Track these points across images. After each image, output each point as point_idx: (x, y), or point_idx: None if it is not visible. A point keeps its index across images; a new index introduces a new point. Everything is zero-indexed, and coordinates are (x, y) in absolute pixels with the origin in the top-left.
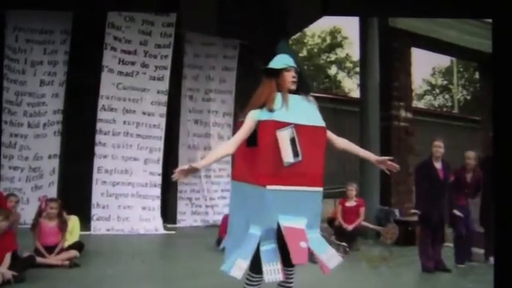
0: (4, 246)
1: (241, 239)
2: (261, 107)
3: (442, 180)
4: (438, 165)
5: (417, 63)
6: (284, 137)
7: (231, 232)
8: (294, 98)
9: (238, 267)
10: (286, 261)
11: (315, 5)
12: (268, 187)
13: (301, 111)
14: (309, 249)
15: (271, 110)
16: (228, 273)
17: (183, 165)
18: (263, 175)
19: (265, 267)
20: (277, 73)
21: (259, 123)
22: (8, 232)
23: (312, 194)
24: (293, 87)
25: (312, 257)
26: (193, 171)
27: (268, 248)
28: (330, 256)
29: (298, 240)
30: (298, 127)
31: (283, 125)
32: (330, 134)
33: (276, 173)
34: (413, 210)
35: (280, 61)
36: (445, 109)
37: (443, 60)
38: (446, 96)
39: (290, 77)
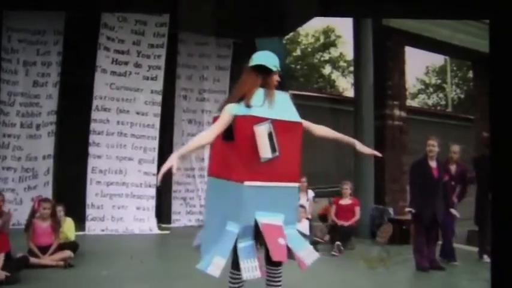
0: None
1: (217, 236)
2: (239, 100)
3: (436, 179)
4: (433, 164)
5: (411, 62)
6: (261, 132)
7: (207, 229)
8: (269, 93)
9: (215, 265)
10: (271, 260)
11: (309, 5)
12: (246, 183)
13: (278, 107)
14: (287, 246)
15: (248, 106)
16: (205, 271)
17: (161, 169)
18: (240, 171)
19: (243, 264)
20: (268, 71)
21: (236, 118)
22: (1, 233)
23: (288, 190)
24: (274, 88)
25: (290, 254)
26: (173, 167)
27: (246, 244)
28: (308, 252)
29: (276, 237)
30: (275, 122)
31: (260, 120)
32: (307, 124)
33: (253, 169)
34: (408, 209)
35: (273, 62)
36: (438, 108)
37: (437, 59)
38: (440, 95)
39: (275, 80)
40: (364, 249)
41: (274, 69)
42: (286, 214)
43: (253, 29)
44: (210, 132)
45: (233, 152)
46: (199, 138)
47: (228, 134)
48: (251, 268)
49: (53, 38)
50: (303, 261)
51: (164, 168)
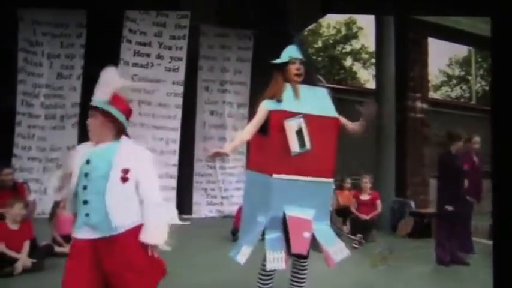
0: (22, 235)
1: (250, 227)
2: (271, 98)
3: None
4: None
5: (434, 54)
6: (291, 126)
7: (243, 220)
8: (306, 89)
9: (242, 253)
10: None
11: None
12: (274, 176)
13: (313, 101)
14: (314, 238)
15: (279, 101)
16: (234, 258)
17: (215, 150)
18: (270, 164)
19: (269, 255)
20: (283, 66)
21: (270, 113)
22: (26, 221)
23: (320, 185)
24: (298, 79)
25: (317, 247)
26: (222, 155)
27: (273, 236)
28: (338, 249)
29: (301, 230)
30: (307, 117)
31: (291, 114)
32: (344, 121)
33: (283, 162)
34: (448, 207)
35: (285, 54)
36: (462, 100)
37: (461, 50)
38: (464, 87)
39: (294, 69)
40: (385, 242)
41: (283, 61)
42: (318, 209)
43: (274, 21)
44: (246, 131)
45: (266, 145)
46: (241, 136)
47: (262, 129)
48: (277, 259)
49: (76, 31)
50: (331, 257)
51: (217, 150)
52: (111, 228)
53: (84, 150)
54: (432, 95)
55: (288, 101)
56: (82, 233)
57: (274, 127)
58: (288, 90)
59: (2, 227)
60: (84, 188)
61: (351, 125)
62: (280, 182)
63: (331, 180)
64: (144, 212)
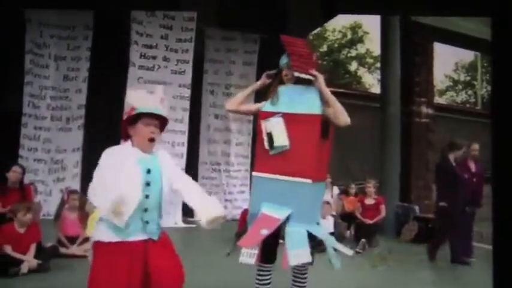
0: (30, 238)
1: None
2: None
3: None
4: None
5: (439, 58)
6: (265, 126)
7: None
8: (294, 89)
9: (249, 254)
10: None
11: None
12: (254, 173)
13: (297, 100)
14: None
15: (265, 102)
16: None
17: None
18: (255, 163)
19: (243, 250)
20: (280, 72)
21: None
22: (33, 223)
23: (298, 185)
24: (289, 82)
25: (320, 247)
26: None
27: None
28: (298, 254)
29: (261, 227)
30: (286, 116)
31: (269, 114)
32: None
33: (263, 161)
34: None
35: (281, 61)
36: (468, 105)
37: (467, 55)
38: (470, 92)
39: (283, 75)
40: (389, 247)
41: (280, 67)
42: (296, 210)
43: (280, 25)
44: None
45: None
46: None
47: None
48: (248, 254)
49: (82, 33)
50: (287, 259)
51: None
52: (160, 230)
53: (127, 157)
54: (437, 100)
55: (272, 102)
56: (135, 237)
57: (258, 127)
58: (278, 92)
59: (10, 230)
60: (147, 197)
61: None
62: (259, 180)
63: (308, 181)
64: (196, 195)
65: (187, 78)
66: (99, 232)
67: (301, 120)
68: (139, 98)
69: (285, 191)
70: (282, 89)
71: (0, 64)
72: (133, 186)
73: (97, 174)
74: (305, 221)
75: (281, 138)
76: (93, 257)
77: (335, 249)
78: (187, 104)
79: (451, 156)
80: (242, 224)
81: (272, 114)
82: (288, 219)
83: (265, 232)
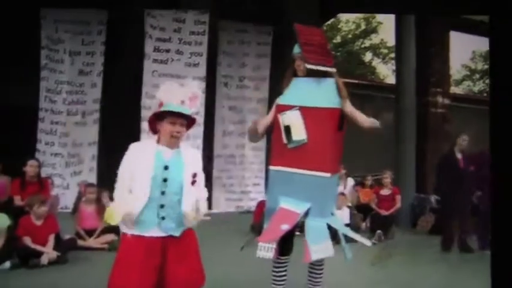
0: (47, 229)
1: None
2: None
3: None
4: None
5: (456, 47)
6: (282, 120)
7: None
8: (309, 81)
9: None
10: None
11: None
12: (271, 167)
13: (313, 93)
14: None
15: (281, 95)
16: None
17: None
18: (272, 156)
19: (260, 243)
20: (293, 62)
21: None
22: (50, 216)
23: (316, 179)
24: (300, 73)
25: (337, 239)
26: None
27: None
28: (320, 249)
29: (281, 222)
30: (304, 110)
31: (286, 108)
32: (357, 115)
33: (280, 155)
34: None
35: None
36: (485, 95)
37: (484, 43)
38: (487, 81)
39: (296, 65)
40: (404, 239)
41: (293, 56)
42: (314, 204)
43: (293, 16)
44: (262, 124)
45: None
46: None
47: None
48: (265, 248)
49: (96, 28)
50: (308, 253)
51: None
52: (181, 228)
53: (146, 154)
54: (454, 89)
55: (288, 94)
56: (152, 232)
57: (275, 120)
58: (293, 84)
59: (27, 222)
60: (163, 193)
61: (360, 118)
62: (276, 174)
63: (327, 175)
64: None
65: (201, 70)
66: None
67: (319, 113)
68: (168, 93)
69: (303, 184)
70: (297, 81)
71: (17, 60)
72: (142, 190)
73: (119, 172)
74: (324, 214)
75: (299, 132)
76: (121, 249)
77: (348, 241)
78: (202, 96)
79: (457, 148)
80: (257, 216)
81: (289, 107)
82: (306, 212)
83: (285, 227)
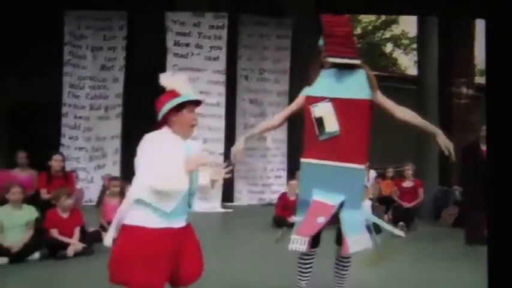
0: (73, 222)
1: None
2: (307, 84)
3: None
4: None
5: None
6: (314, 112)
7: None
8: (340, 72)
9: (300, 241)
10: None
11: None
12: (302, 160)
13: (343, 85)
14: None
15: (309, 86)
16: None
17: (234, 149)
18: (304, 149)
19: (293, 236)
20: (319, 53)
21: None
22: (75, 208)
23: (350, 171)
24: (326, 65)
25: (372, 229)
26: (240, 149)
27: (301, 219)
28: (357, 240)
29: (317, 215)
30: (336, 101)
31: (317, 99)
32: (390, 104)
33: (312, 147)
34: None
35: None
36: None
37: None
38: None
39: (322, 57)
40: (427, 232)
41: (319, 47)
42: (348, 196)
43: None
44: (276, 117)
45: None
46: (264, 122)
47: None
48: (298, 241)
49: (118, 24)
50: (347, 246)
51: (232, 150)
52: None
53: (172, 144)
54: (479, 80)
55: (318, 86)
56: (176, 223)
57: (305, 112)
58: (322, 76)
59: (54, 215)
60: (190, 182)
61: (398, 112)
62: (308, 166)
63: (361, 166)
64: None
65: (221, 64)
66: (139, 217)
67: (351, 105)
68: (182, 83)
69: (337, 176)
70: (326, 73)
71: (41, 57)
72: (182, 174)
73: (144, 159)
74: (357, 205)
75: (332, 124)
76: (124, 240)
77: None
78: (222, 89)
79: (481, 139)
80: (279, 208)
81: (320, 99)
82: (340, 205)
83: (322, 220)
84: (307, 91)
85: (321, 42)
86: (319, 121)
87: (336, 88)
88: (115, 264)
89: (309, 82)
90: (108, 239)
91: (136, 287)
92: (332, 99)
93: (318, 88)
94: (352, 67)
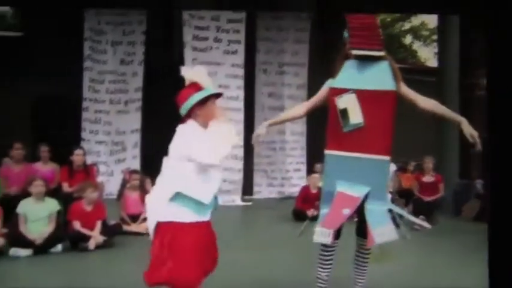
0: (96, 215)
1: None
2: (331, 75)
3: None
4: None
5: None
6: (338, 103)
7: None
8: (364, 63)
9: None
10: (364, 233)
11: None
12: (327, 152)
13: (368, 76)
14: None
15: (333, 78)
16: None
17: (257, 131)
18: (328, 140)
19: (317, 228)
20: (344, 45)
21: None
22: (99, 202)
23: (374, 163)
24: (351, 57)
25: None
26: (264, 132)
27: (325, 211)
28: (383, 232)
29: (342, 206)
30: (360, 93)
31: (342, 91)
32: (413, 95)
33: (336, 139)
34: None
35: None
36: None
37: None
38: None
39: (346, 49)
40: (448, 226)
41: (344, 39)
42: (373, 188)
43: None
44: (301, 106)
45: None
46: (290, 111)
47: None
48: (323, 233)
49: (137, 18)
50: (372, 238)
51: (254, 134)
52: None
53: (204, 136)
54: None
55: (342, 77)
56: (206, 216)
57: (329, 104)
58: (346, 67)
59: (78, 207)
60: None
61: (422, 102)
62: (332, 157)
63: (386, 158)
64: None
65: (240, 58)
66: (176, 213)
67: (375, 96)
68: (204, 76)
69: (362, 168)
70: (350, 64)
71: (62, 52)
72: (215, 173)
73: (189, 139)
74: (381, 197)
75: (356, 115)
76: (176, 238)
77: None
78: (241, 82)
79: None
80: (300, 201)
81: (344, 90)
82: (365, 196)
83: (347, 212)
84: (330, 83)
85: (345, 34)
86: (344, 113)
87: (360, 79)
88: (157, 264)
89: (333, 74)
90: None
91: (180, 284)
92: (356, 91)
93: (342, 80)
94: (376, 59)
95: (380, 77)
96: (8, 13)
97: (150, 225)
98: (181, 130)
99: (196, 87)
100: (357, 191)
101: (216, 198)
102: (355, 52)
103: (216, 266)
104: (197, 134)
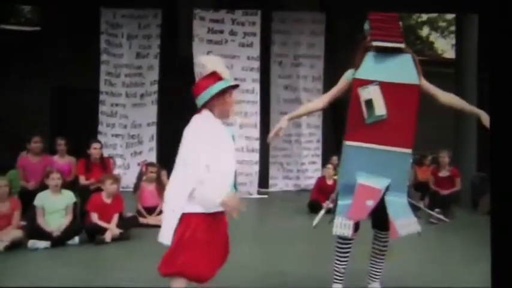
0: (114, 208)
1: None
2: (353, 67)
3: None
4: None
5: None
6: (363, 94)
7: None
8: (387, 56)
9: (344, 225)
10: (380, 225)
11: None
12: (347, 142)
13: (392, 68)
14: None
15: (356, 69)
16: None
17: (272, 129)
18: (348, 131)
19: (337, 220)
20: (364, 38)
21: (352, 82)
22: (118, 194)
23: (396, 155)
24: (371, 49)
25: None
26: (285, 126)
27: (345, 203)
28: (405, 224)
29: (365, 198)
30: (384, 85)
31: (365, 82)
32: (433, 89)
33: (357, 130)
34: None
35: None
36: None
37: None
38: None
39: (367, 42)
40: (465, 219)
41: (364, 32)
42: (393, 180)
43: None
44: (321, 98)
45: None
46: (309, 104)
47: None
48: (343, 225)
49: (152, 12)
50: (396, 230)
51: (275, 129)
52: None
53: (219, 129)
54: None
55: (365, 69)
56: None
57: (352, 95)
58: (368, 59)
59: (98, 199)
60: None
61: (442, 96)
62: (353, 149)
63: (408, 150)
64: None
65: (255, 50)
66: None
67: (400, 89)
68: (223, 66)
69: (383, 160)
70: (373, 56)
71: (78, 46)
72: (229, 165)
73: (195, 151)
74: (402, 189)
75: (380, 107)
76: (189, 229)
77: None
78: (257, 75)
79: None
80: (315, 193)
81: (368, 81)
82: (386, 188)
83: (371, 203)
84: (352, 74)
85: (366, 26)
86: (369, 104)
87: (384, 72)
88: (171, 255)
89: (354, 65)
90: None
91: (193, 276)
92: (380, 83)
93: (366, 71)
94: (397, 51)
95: (404, 70)
96: (25, 8)
97: (166, 218)
98: (195, 121)
99: (215, 77)
100: (378, 183)
101: (235, 186)
102: (376, 44)
103: (228, 256)
104: (206, 130)
